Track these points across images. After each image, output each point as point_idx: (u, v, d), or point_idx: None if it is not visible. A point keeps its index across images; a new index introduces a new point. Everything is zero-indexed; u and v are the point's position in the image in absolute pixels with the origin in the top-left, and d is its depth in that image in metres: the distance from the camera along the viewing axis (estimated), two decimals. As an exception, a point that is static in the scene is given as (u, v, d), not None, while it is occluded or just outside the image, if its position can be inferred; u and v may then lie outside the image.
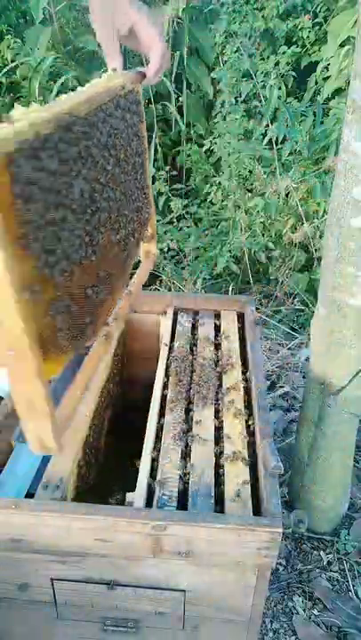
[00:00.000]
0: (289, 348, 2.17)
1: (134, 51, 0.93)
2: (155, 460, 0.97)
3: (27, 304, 0.62)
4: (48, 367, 0.69)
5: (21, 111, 0.66)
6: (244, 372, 1.19)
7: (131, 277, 1.02)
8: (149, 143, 3.55)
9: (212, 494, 0.89)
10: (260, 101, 3.08)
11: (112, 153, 0.89)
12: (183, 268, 2.67)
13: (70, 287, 0.76)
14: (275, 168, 2.78)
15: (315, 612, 1.28)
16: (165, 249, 2.71)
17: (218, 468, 0.95)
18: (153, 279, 2.65)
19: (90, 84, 0.85)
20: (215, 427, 1.04)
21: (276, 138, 2.58)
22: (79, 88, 0.82)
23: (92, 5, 0.91)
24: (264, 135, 2.86)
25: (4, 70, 3.33)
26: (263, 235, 2.72)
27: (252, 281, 2.78)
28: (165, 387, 1.15)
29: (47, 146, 0.69)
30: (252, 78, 3.00)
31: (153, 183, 3.22)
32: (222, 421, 1.05)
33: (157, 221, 2.97)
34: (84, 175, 0.79)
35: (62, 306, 0.74)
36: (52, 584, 0.91)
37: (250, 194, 2.88)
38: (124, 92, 0.90)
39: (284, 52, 3.18)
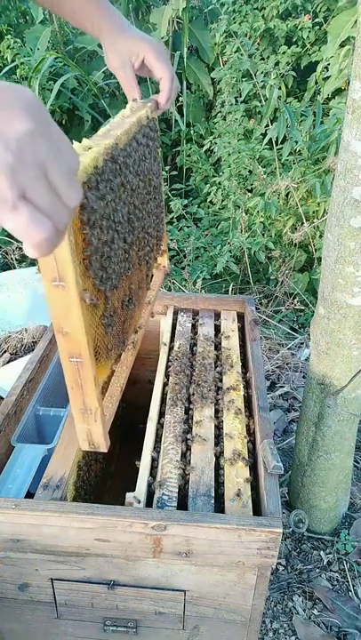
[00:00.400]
0: (289, 348, 2.17)
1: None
2: (155, 460, 0.97)
3: (88, 317, 0.71)
4: (98, 373, 0.78)
5: (77, 145, 0.76)
6: (244, 372, 1.19)
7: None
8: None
9: (212, 494, 0.89)
10: (260, 101, 3.08)
11: (141, 177, 1.00)
12: (183, 268, 2.67)
13: (114, 300, 0.87)
14: (275, 168, 2.78)
15: (315, 611, 1.28)
16: (165, 249, 2.71)
17: (218, 467, 0.96)
18: (153, 279, 2.64)
19: (120, 114, 0.95)
20: (215, 426, 1.04)
21: (276, 138, 2.58)
22: (111, 120, 0.93)
23: (108, 53, 1.01)
24: (264, 135, 2.86)
25: (4, 70, 3.33)
26: (263, 235, 2.72)
27: (252, 281, 2.78)
28: (165, 386, 1.15)
29: (102, 178, 0.79)
30: (252, 78, 3.00)
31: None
32: (222, 421, 1.05)
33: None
34: (124, 199, 0.89)
35: (110, 317, 0.84)
36: (52, 584, 0.91)
37: (250, 194, 2.88)
38: (148, 121, 1.01)
39: (284, 52, 3.18)
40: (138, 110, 0.98)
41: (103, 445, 0.81)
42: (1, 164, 0.39)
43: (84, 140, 0.78)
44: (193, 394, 1.12)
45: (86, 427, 0.78)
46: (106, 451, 0.82)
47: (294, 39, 3.28)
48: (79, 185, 0.46)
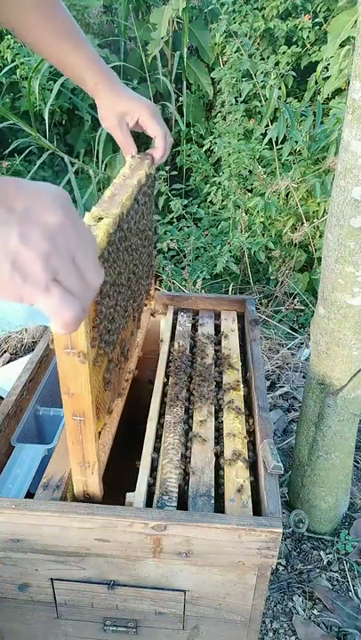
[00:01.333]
0: (289, 348, 2.17)
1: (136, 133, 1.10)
2: (155, 460, 0.97)
3: (93, 378, 0.76)
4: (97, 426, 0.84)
5: (88, 215, 0.83)
6: (244, 372, 1.19)
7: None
8: (149, 144, 3.55)
9: (212, 494, 0.89)
10: (260, 101, 3.08)
11: (140, 236, 1.06)
12: (183, 268, 2.67)
13: (114, 356, 0.91)
14: (275, 168, 2.78)
15: (315, 611, 1.28)
16: (165, 249, 2.71)
17: (218, 467, 0.96)
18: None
19: (121, 173, 1.02)
20: (215, 426, 1.04)
21: (276, 138, 2.58)
22: (114, 180, 0.99)
23: (103, 112, 1.06)
24: (264, 135, 2.86)
25: (4, 70, 3.33)
26: (263, 235, 2.72)
27: (252, 281, 2.78)
28: (165, 386, 1.15)
29: (112, 248, 0.85)
30: (252, 78, 3.00)
31: (153, 183, 3.22)
32: (222, 421, 1.05)
33: (157, 221, 2.97)
34: (126, 261, 0.95)
35: (110, 374, 0.88)
36: (52, 584, 0.91)
37: (250, 194, 2.88)
38: (146, 179, 1.07)
39: (284, 52, 3.18)
40: (137, 169, 1.04)
41: (98, 496, 0.87)
42: (38, 251, 0.45)
43: (94, 209, 0.86)
44: (193, 394, 1.12)
45: (83, 479, 0.85)
46: (100, 500, 0.88)
47: (294, 39, 3.28)
48: (101, 266, 0.51)
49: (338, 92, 2.92)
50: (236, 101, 3.11)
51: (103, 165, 3.30)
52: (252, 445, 1.01)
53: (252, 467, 0.96)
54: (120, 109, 1.05)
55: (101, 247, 0.79)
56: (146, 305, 1.28)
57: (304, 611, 1.29)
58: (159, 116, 1.07)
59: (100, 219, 0.83)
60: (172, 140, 1.13)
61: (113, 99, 1.04)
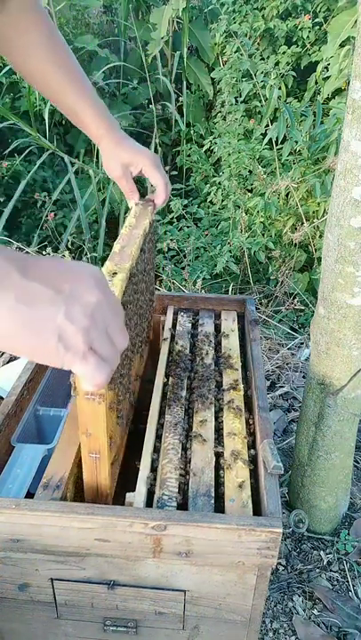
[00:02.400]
0: (289, 348, 2.17)
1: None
2: (155, 460, 0.97)
3: (109, 419, 0.82)
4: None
5: (103, 270, 0.90)
6: (244, 372, 1.19)
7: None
8: (149, 143, 3.56)
9: (213, 494, 0.89)
10: (260, 101, 3.08)
11: (145, 278, 1.13)
12: (183, 268, 2.67)
13: (127, 396, 0.99)
14: (275, 168, 2.78)
15: (315, 611, 1.28)
16: (165, 249, 2.71)
17: (218, 467, 0.95)
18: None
19: (127, 223, 1.09)
20: (215, 426, 1.04)
21: (276, 138, 2.58)
22: (121, 232, 1.06)
23: (108, 162, 1.14)
24: (264, 135, 2.86)
25: (5, 70, 3.33)
26: (263, 235, 2.72)
27: (252, 281, 2.78)
28: (165, 386, 1.15)
29: (125, 300, 0.92)
30: (252, 78, 3.00)
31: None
32: (222, 421, 1.05)
33: (157, 221, 2.97)
34: (134, 303, 1.02)
35: (121, 415, 0.95)
36: (52, 584, 0.91)
37: (250, 194, 2.88)
38: (150, 227, 1.14)
39: (284, 52, 3.18)
40: (142, 218, 1.12)
41: None
42: (80, 326, 0.53)
43: (108, 264, 0.95)
44: (193, 394, 1.12)
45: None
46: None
47: (294, 39, 3.28)
48: (126, 331, 0.59)
49: (338, 92, 2.93)
50: (236, 101, 3.12)
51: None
52: (252, 445, 1.01)
53: (253, 467, 0.96)
54: (125, 161, 1.11)
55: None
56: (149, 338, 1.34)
57: (304, 611, 1.29)
58: (160, 165, 1.15)
59: (115, 273, 0.92)
60: (171, 187, 1.21)
61: (117, 150, 1.11)
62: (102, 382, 0.56)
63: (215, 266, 2.64)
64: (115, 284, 0.88)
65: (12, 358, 2.08)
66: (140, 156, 1.11)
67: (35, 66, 1.02)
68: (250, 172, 2.88)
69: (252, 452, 1.00)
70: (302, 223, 2.55)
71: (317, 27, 3.19)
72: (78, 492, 0.96)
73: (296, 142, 2.54)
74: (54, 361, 0.54)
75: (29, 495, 0.90)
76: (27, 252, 2.79)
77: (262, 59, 3.31)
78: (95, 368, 0.55)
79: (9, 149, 3.21)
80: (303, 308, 2.51)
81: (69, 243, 2.92)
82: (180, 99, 3.63)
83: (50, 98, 1.09)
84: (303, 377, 2.00)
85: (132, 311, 1.01)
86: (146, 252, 1.10)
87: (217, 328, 1.35)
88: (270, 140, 2.70)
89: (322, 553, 1.41)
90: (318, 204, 2.54)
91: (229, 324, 1.35)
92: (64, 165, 3.33)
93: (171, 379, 1.16)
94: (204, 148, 3.30)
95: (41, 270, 0.53)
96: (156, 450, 0.99)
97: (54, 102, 1.09)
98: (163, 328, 1.35)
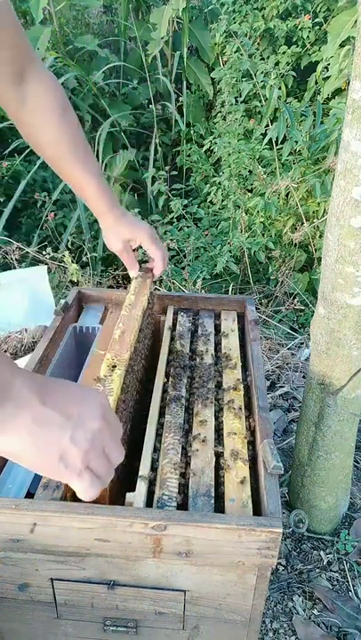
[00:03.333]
0: (289, 348, 2.17)
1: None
2: (155, 460, 0.97)
3: None
4: None
5: (104, 366, 0.98)
6: (244, 372, 1.19)
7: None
8: (149, 143, 3.56)
9: (212, 494, 0.89)
10: (260, 101, 3.08)
11: (144, 342, 1.21)
12: (183, 268, 2.67)
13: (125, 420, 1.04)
14: (275, 168, 2.78)
15: (315, 611, 1.28)
16: (165, 249, 2.71)
17: (218, 467, 0.95)
18: (153, 279, 2.65)
19: (127, 302, 1.17)
20: (215, 426, 1.04)
21: (276, 138, 2.58)
22: (122, 313, 1.14)
23: (109, 237, 1.22)
24: (264, 135, 2.86)
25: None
26: (263, 235, 2.72)
27: (252, 281, 2.78)
28: (165, 386, 1.15)
29: (125, 390, 0.99)
30: (252, 78, 3.00)
31: (153, 184, 3.22)
32: (222, 421, 1.05)
33: (157, 221, 2.97)
34: (134, 373, 1.09)
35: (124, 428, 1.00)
36: (52, 584, 0.91)
37: (250, 194, 2.88)
38: (148, 303, 1.23)
39: (284, 52, 3.18)
40: (140, 293, 1.21)
41: None
42: (81, 449, 0.60)
43: (108, 356, 1.01)
44: (193, 394, 1.12)
45: None
46: None
47: (294, 39, 3.28)
48: (122, 447, 0.65)
49: (338, 92, 2.93)
50: (236, 101, 3.11)
51: (103, 165, 3.30)
52: (252, 445, 1.01)
53: (252, 467, 0.96)
54: (125, 237, 1.21)
55: (119, 399, 0.95)
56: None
57: (304, 611, 1.29)
58: (157, 239, 1.24)
59: (114, 367, 0.98)
60: (168, 259, 1.30)
61: (117, 227, 1.19)
62: (94, 496, 0.63)
63: (215, 266, 2.64)
64: (114, 380, 0.95)
65: (12, 358, 2.08)
66: (139, 232, 1.21)
67: (47, 145, 1.09)
68: (250, 172, 2.87)
69: (252, 451, 1.00)
70: (302, 223, 2.55)
71: (317, 27, 3.19)
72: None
73: (296, 142, 2.54)
74: (54, 476, 0.62)
75: (29, 495, 0.90)
76: (27, 252, 2.79)
77: (262, 59, 3.31)
78: (89, 485, 0.62)
79: (9, 149, 3.21)
80: (303, 307, 2.51)
81: (69, 243, 2.92)
82: (180, 99, 3.63)
83: (57, 170, 1.14)
84: (303, 377, 2.00)
85: (132, 377, 1.08)
86: (144, 329, 1.19)
87: (217, 328, 1.35)
88: (270, 139, 2.70)
89: (322, 553, 1.41)
90: (318, 204, 2.54)
91: (229, 323, 1.35)
92: (64, 165, 3.32)
93: (171, 379, 1.16)
94: (204, 148, 3.29)
95: (56, 396, 0.62)
96: (156, 450, 0.99)
97: (60, 172, 1.14)
98: (163, 328, 1.35)
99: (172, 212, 2.97)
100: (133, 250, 1.27)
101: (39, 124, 1.07)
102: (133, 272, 1.29)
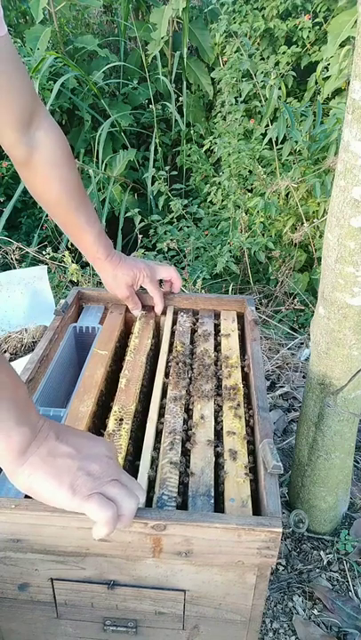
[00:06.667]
0: (289, 348, 2.17)
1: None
2: (154, 460, 0.97)
3: None
4: None
5: (111, 420, 1.02)
6: (243, 372, 1.19)
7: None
8: (149, 143, 3.56)
9: (212, 494, 0.89)
10: (260, 101, 3.08)
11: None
12: (183, 268, 2.67)
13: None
14: (275, 168, 2.78)
15: (315, 611, 1.28)
16: (165, 249, 2.71)
17: (218, 467, 0.95)
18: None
19: (132, 346, 1.25)
20: (215, 426, 1.04)
21: (276, 138, 2.58)
22: (126, 358, 1.21)
23: (110, 283, 1.28)
24: (264, 135, 2.86)
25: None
26: (263, 235, 2.72)
27: (252, 281, 2.78)
28: (165, 386, 1.15)
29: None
30: (252, 78, 3.00)
31: (153, 184, 3.22)
32: (222, 421, 1.05)
33: (157, 221, 2.97)
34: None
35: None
36: (52, 584, 0.91)
37: (250, 194, 2.88)
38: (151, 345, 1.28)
39: (284, 52, 3.18)
40: (144, 337, 1.28)
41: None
42: (89, 475, 0.69)
43: (115, 409, 1.05)
44: (193, 394, 1.12)
45: None
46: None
47: (294, 39, 3.28)
48: (143, 489, 0.78)
49: (338, 92, 2.93)
50: (236, 101, 3.11)
51: (103, 165, 3.30)
52: (251, 445, 1.01)
53: (252, 467, 0.96)
54: (128, 282, 1.27)
55: (125, 452, 0.97)
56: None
57: (304, 611, 1.29)
58: (155, 278, 1.31)
59: (122, 420, 1.02)
60: (165, 295, 1.37)
61: (118, 273, 1.24)
62: (107, 518, 0.67)
63: (215, 266, 2.64)
64: (122, 435, 0.99)
65: (12, 358, 2.08)
66: (140, 274, 1.27)
67: (50, 192, 1.12)
68: (250, 172, 2.87)
69: (252, 451, 1.00)
70: (302, 223, 2.55)
71: (317, 27, 3.19)
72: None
73: (296, 142, 2.54)
74: (66, 504, 0.68)
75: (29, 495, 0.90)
76: (27, 252, 2.79)
77: (262, 59, 3.31)
78: (97, 506, 0.67)
79: (9, 149, 3.20)
80: (303, 307, 2.50)
81: (69, 243, 2.92)
82: (180, 99, 3.63)
83: (56, 216, 1.17)
84: (303, 377, 2.00)
85: None
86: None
87: (217, 328, 1.35)
88: (270, 139, 2.70)
89: (322, 553, 1.41)
90: (318, 203, 2.54)
91: (229, 323, 1.35)
92: (64, 165, 3.32)
93: (170, 378, 1.16)
94: (204, 148, 3.29)
95: (69, 435, 0.71)
96: (156, 449, 0.99)
97: (59, 218, 1.17)
98: (163, 328, 1.35)
99: (172, 211, 2.97)
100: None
101: (46, 173, 1.09)
102: (137, 311, 1.36)
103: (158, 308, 1.35)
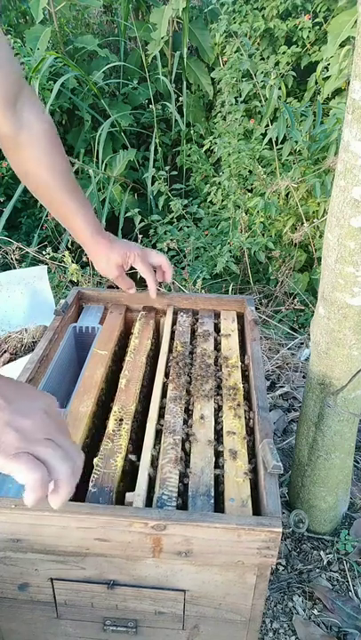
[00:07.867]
0: (289, 348, 2.17)
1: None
2: (154, 460, 0.97)
3: None
4: None
5: (111, 420, 1.03)
6: (243, 372, 1.19)
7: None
8: (149, 143, 3.56)
9: (212, 494, 0.89)
10: (260, 101, 3.08)
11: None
12: (183, 268, 2.67)
13: None
14: (275, 168, 2.78)
15: (315, 611, 1.28)
16: (165, 249, 2.71)
17: (218, 467, 0.95)
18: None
19: (132, 346, 1.25)
20: (215, 426, 1.04)
21: (276, 138, 2.58)
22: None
23: (102, 266, 1.26)
24: (264, 135, 2.86)
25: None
26: (263, 235, 2.72)
27: (252, 281, 2.78)
28: (165, 386, 1.15)
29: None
30: (252, 78, 3.00)
31: (153, 184, 3.22)
32: (222, 421, 1.05)
33: (157, 221, 2.97)
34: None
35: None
36: (52, 584, 0.91)
37: (250, 194, 2.88)
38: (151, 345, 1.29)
39: (284, 52, 3.18)
40: (144, 337, 1.29)
41: None
42: (17, 431, 0.59)
43: (115, 409, 1.05)
44: (193, 394, 1.12)
45: None
46: None
47: (294, 39, 3.28)
48: (74, 443, 0.65)
49: (338, 91, 2.92)
50: (236, 101, 3.11)
51: (103, 165, 3.30)
52: (251, 445, 1.01)
53: (252, 467, 0.96)
54: (118, 262, 1.25)
55: (125, 451, 0.97)
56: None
57: (304, 611, 1.29)
58: (147, 260, 1.28)
59: (121, 420, 1.02)
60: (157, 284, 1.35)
61: (109, 254, 1.23)
62: (34, 481, 0.58)
63: (215, 266, 2.64)
64: (122, 436, 0.98)
65: (12, 358, 2.08)
66: (131, 253, 1.25)
67: (37, 173, 1.12)
68: (250, 172, 2.87)
69: (252, 451, 1.00)
70: (302, 223, 2.55)
71: (317, 27, 3.18)
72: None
73: (296, 142, 2.54)
74: None
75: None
76: (27, 252, 2.79)
77: (262, 59, 3.31)
78: (26, 469, 0.58)
79: (9, 149, 3.20)
80: (303, 307, 2.50)
81: (69, 243, 2.92)
82: (180, 99, 3.63)
83: (43, 198, 1.17)
84: (303, 377, 2.00)
85: None
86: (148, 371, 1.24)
87: (217, 328, 1.35)
88: (270, 139, 2.69)
89: (322, 553, 1.41)
90: (318, 203, 2.54)
91: (229, 323, 1.35)
92: (64, 165, 3.32)
93: (170, 378, 1.16)
94: (204, 148, 3.29)
95: (3, 385, 0.62)
96: (156, 449, 0.99)
97: (46, 200, 1.17)
98: (163, 328, 1.35)
99: (172, 211, 2.97)
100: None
101: (34, 155, 1.09)
102: (132, 290, 1.35)
103: (152, 290, 1.33)
